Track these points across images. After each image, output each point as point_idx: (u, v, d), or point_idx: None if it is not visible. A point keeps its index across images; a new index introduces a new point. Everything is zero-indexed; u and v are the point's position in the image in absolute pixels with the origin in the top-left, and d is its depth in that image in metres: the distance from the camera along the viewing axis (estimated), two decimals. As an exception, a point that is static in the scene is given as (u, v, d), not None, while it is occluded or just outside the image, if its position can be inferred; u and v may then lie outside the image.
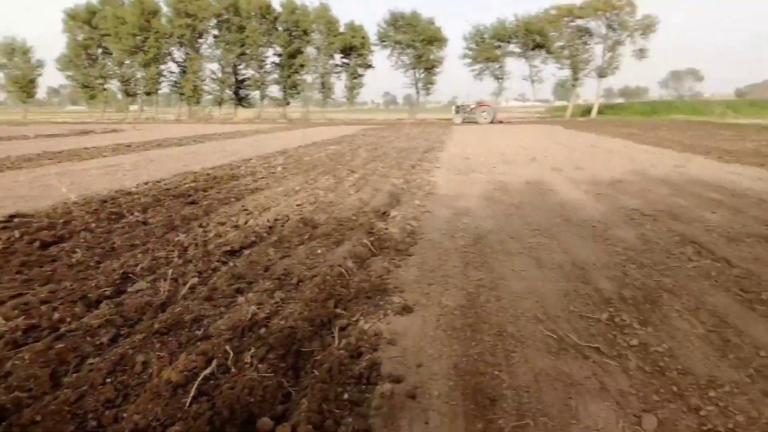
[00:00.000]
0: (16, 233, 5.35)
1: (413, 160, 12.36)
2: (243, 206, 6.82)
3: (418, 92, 50.20)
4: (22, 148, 16.55)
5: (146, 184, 8.80)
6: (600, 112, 47.05)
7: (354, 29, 47.95)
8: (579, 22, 43.18)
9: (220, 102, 50.45)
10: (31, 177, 9.79)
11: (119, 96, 53.59)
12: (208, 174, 9.97)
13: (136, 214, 6.35)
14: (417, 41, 46.79)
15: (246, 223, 5.94)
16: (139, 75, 49.08)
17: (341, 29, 48.38)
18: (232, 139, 21.41)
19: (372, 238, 5.13)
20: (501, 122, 37.73)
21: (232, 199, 7.34)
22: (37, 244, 5.02)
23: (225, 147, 16.91)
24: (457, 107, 38.86)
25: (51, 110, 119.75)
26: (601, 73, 43.84)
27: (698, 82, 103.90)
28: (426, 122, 43.06)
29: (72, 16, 47.33)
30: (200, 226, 5.77)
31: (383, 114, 76.21)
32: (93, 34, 47.59)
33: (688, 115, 42.57)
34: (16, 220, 6.10)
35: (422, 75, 49.51)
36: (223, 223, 5.88)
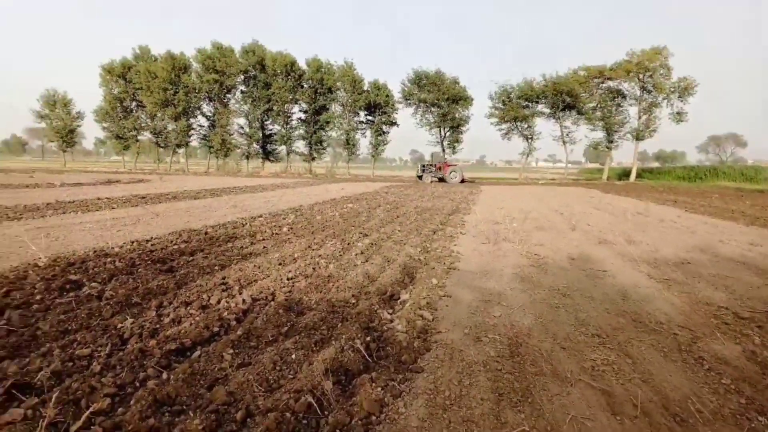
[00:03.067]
0: (-65, 308, 4.32)
1: (435, 223, 11.09)
2: (224, 278, 5.62)
3: (444, 150, 49.58)
4: (39, 196, 16.09)
5: (132, 243, 7.77)
6: (638, 175, 45.27)
7: (378, 87, 48.14)
8: (610, 83, 42.29)
9: (247, 156, 50.88)
10: (21, 230, 8.91)
11: (153, 147, 54.98)
12: (206, 233, 8.92)
13: (94, 284, 5.23)
14: (441, 100, 46.62)
15: (217, 302, 4.72)
16: (170, 127, 49.93)
17: (366, 87, 48.56)
18: (251, 193, 20.67)
19: (369, 338, 3.82)
20: (465, 181, 37.07)
21: (216, 268, 6.16)
22: (-53, 326, 3.94)
23: (240, 202, 16.04)
24: (423, 166, 37.82)
25: (94, 160, 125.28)
26: (638, 136, 42.28)
27: (740, 148, 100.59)
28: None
29: (108, 71, 48.87)
30: (160, 305, 4.58)
31: (411, 171, 76.00)
32: (128, 87, 48.92)
33: (736, 181, 40.35)
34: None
35: (448, 133, 49.07)
36: (188, 303, 4.67)
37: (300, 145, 51.16)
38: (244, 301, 4.71)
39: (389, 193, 22.54)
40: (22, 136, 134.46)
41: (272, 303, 4.76)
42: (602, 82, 42.42)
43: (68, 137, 53.13)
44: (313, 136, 49.40)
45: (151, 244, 7.70)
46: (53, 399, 2.66)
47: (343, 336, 3.70)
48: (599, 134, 44.36)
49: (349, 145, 49.52)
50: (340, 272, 6.06)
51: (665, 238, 9.69)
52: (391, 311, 4.61)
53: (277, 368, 3.22)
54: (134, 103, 50.23)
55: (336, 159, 57.30)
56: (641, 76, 40.23)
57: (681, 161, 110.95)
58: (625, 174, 49.06)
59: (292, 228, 9.79)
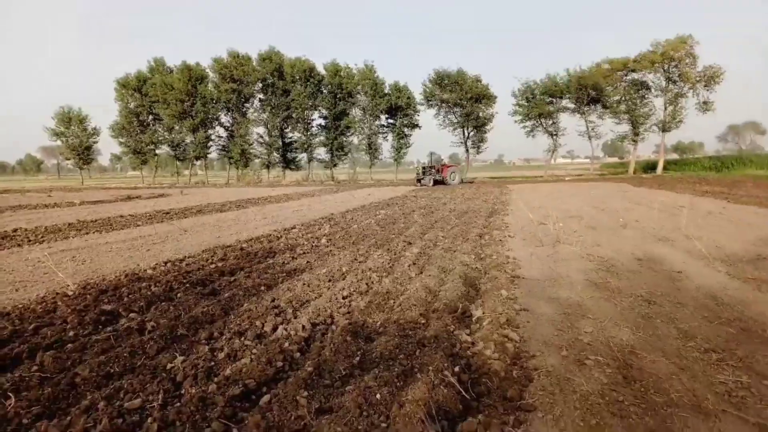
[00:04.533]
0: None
1: (478, 226, 10.57)
2: (274, 300, 5.19)
3: (467, 151, 48.84)
4: (59, 216, 15.95)
5: (165, 264, 7.38)
6: (663, 167, 43.95)
7: (399, 89, 47.47)
8: (634, 75, 41.12)
9: (268, 165, 50.77)
10: (45, 253, 8.58)
11: (170, 160, 55.38)
12: (241, 249, 8.53)
13: (132, 315, 4.82)
14: (464, 99, 45.86)
15: (274, 330, 4.28)
16: (188, 140, 49.92)
17: (386, 90, 47.92)
18: (277, 203, 20.35)
19: (457, 368, 3.33)
20: (464, 181, 36.20)
21: (262, 288, 5.73)
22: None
23: (268, 213, 15.70)
24: (423, 169, 35.95)
25: (112, 176, 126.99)
26: (665, 127, 41.00)
27: (759, 136, 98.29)
28: (477, 181, 41.45)
29: (123, 85, 48.92)
30: (210, 337, 4.16)
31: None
32: (143, 101, 48.92)
33: (764, 169, 38.91)
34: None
35: (471, 133, 48.31)
36: (242, 333, 4.24)
37: (321, 152, 50.95)
38: (303, 327, 4.25)
39: (418, 196, 22.06)
40: (37, 155, 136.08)
41: (334, 327, 4.32)
42: (626, 75, 41.29)
43: (85, 154, 53.46)
44: (334, 142, 49.01)
45: (186, 264, 7.31)
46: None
47: (430, 368, 3.21)
48: (625, 127, 43.22)
49: (372, 149, 49.05)
50: (397, 287, 5.59)
51: (723, 231, 9.07)
52: (468, 331, 4.11)
53: (365, 414, 2.74)
54: (151, 117, 50.31)
55: (354, 164, 56.76)
56: (666, 67, 39.01)
57: (699, 152, 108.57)
58: (649, 167, 47.77)
59: (330, 239, 9.36)
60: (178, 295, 5.53)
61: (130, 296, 5.48)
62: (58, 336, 4.19)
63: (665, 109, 40.79)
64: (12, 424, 2.77)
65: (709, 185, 23.69)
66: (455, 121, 47.74)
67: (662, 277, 5.79)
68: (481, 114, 46.91)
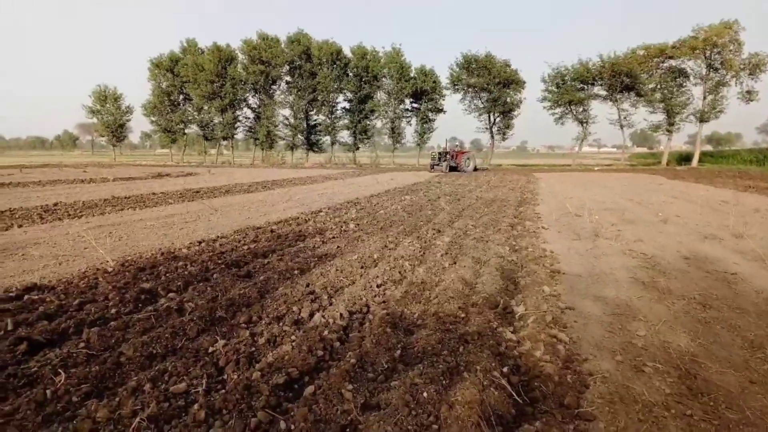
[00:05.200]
0: (9, 323, 4.00)
1: (509, 216, 10.31)
2: (308, 285, 5.10)
3: (492, 137, 47.93)
4: (95, 191, 16.29)
5: (200, 244, 7.40)
6: (698, 159, 42.36)
7: (425, 73, 46.57)
8: (672, 62, 39.52)
9: (292, 147, 50.80)
10: (84, 228, 8.76)
11: (198, 139, 55.93)
12: (272, 231, 8.48)
13: (171, 295, 4.78)
14: (492, 84, 44.77)
15: (311, 317, 4.18)
16: (216, 120, 50.34)
17: (412, 74, 47.01)
18: (302, 185, 20.32)
19: (506, 368, 3.17)
20: (478, 169, 34.84)
21: (296, 272, 5.64)
22: (23, 346, 3.56)
23: (294, 195, 15.67)
24: (439, 155, 34.37)
25: (142, 153, 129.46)
26: (702, 117, 39.45)
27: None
28: (501, 168, 40.82)
29: (156, 65, 49.62)
30: (249, 321, 4.09)
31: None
32: (175, 81, 49.49)
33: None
34: (27, 297, 4.75)
35: (498, 119, 47.32)
36: (280, 318, 4.16)
37: (344, 135, 50.71)
38: (341, 315, 4.15)
39: (442, 182, 21.76)
40: (74, 132, 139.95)
41: (371, 317, 4.21)
42: (662, 62, 39.70)
43: (118, 131, 54.51)
44: (357, 125, 48.65)
45: (220, 245, 7.30)
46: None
47: (477, 367, 3.05)
48: (659, 117, 41.70)
49: (395, 133, 48.52)
50: (431, 277, 5.43)
51: (777, 231, 8.61)
52: (512, 329, 3.94)
53: (413, 413, 2.60)
54: (181, 97, 50.89)
55: (375, 148, 56.22)
56: (708, 53, 37.37)
57: (737, 143, 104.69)
58: (683, 158, 46.22)
59: (358, 224, 9.23)
60: (214, 276, 5.50)
61: (167, 275, 5.49)
62: (101, 313, 4.22)
63: (704, 98, 39.11)
64: (62, 401, 2.77)
65: (752, 180, 22.74)
66: (481, 106, 46.74)
67: (715, 279, 5.49)
68: (509, 99, 45.77)
